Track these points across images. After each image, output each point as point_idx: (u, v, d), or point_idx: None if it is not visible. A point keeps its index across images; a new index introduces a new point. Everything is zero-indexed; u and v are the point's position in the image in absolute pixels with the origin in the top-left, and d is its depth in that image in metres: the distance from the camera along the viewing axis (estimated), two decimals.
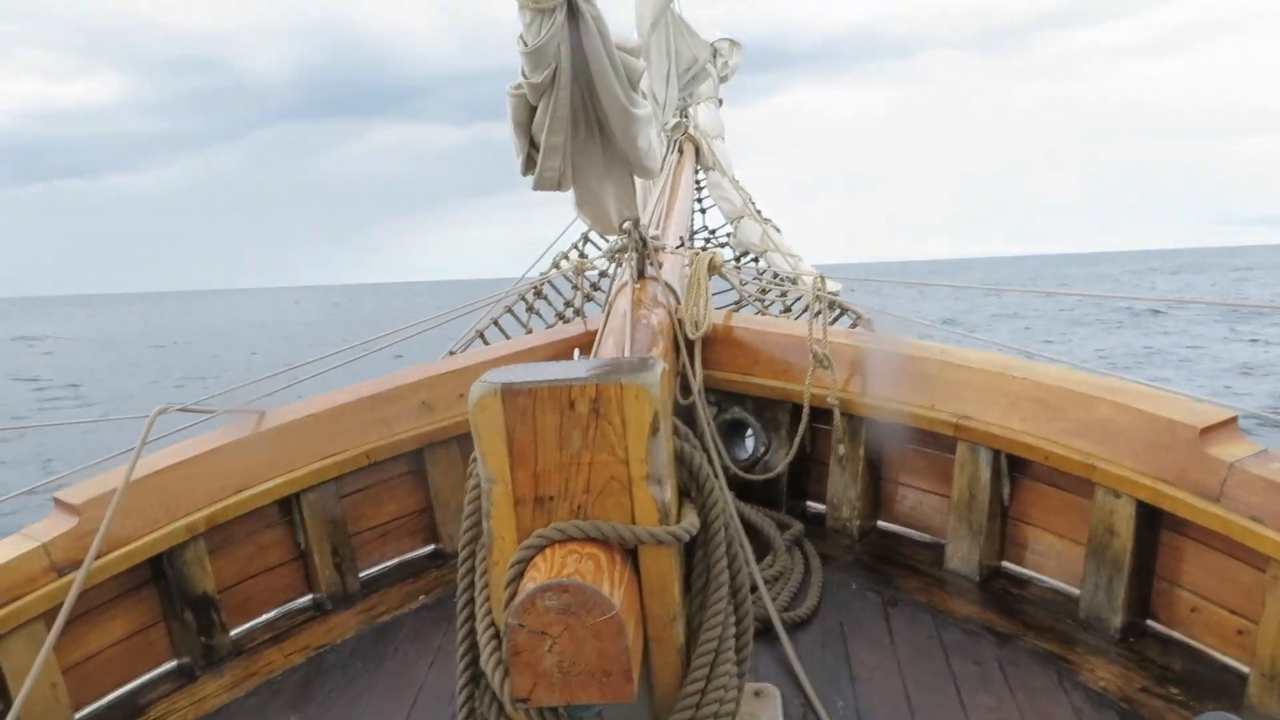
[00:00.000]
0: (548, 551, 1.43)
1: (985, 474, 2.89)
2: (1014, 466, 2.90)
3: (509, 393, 1.45)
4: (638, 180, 3.03)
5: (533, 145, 2.45)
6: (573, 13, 2.25)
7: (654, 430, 1.45)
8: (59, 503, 2.57)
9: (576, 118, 2.45)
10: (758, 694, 2.22)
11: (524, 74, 2.30)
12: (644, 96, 2.67)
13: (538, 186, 2.50)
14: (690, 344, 3.24)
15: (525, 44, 2.22)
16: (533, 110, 2.39)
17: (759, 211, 5.72)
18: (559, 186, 2.54)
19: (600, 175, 2.69)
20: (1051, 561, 2.85)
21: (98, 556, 2.38)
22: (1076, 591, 2.71)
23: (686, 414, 3.05)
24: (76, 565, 2.35)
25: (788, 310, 5.42)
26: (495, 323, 4.92)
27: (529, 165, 2.48)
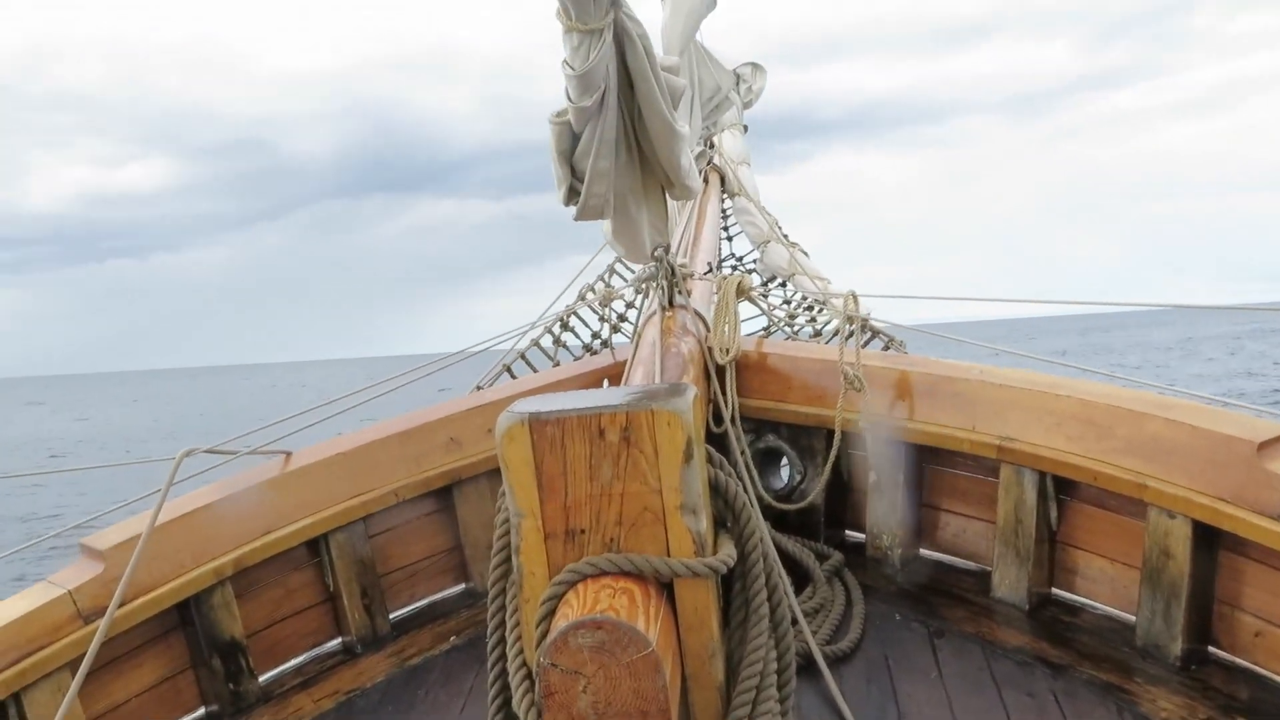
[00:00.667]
0: (580, 587, 1.37)
1: (1031, 497, 2.79)
2: (1061, 488, 2.80)
3: (537, 422, 1.39)
4: (670, 204, 2.97)
5: (574, 175, 2.39)
6: (618, 33, 2.18)
7: (687, 458, 1.39)
8: (85, 548, 2.55)
9: (618, 141, 2.37)
10: None
11: (570, 99, 2.22)
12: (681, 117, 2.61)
13: (581, 216, 2.41)
14: (722, 371, 3.18)
15: (573, 68, 2.14)
16: (576, 138, 2.32)
17: (786, 235, 5.67)
18: (602, 215, 2.45)
19: (639, 201, 2.62)
20: (1104, 587, 2.74)
21: (123, 603, 2.34)
22: (1132, 618, 2.60)
23: (720, 443, 2.98)
24: (103, 612, 2.31)
25: (818, 334, 5.35)
26: (522, 356, 4.89)
27: (571, 196, 2.40)
